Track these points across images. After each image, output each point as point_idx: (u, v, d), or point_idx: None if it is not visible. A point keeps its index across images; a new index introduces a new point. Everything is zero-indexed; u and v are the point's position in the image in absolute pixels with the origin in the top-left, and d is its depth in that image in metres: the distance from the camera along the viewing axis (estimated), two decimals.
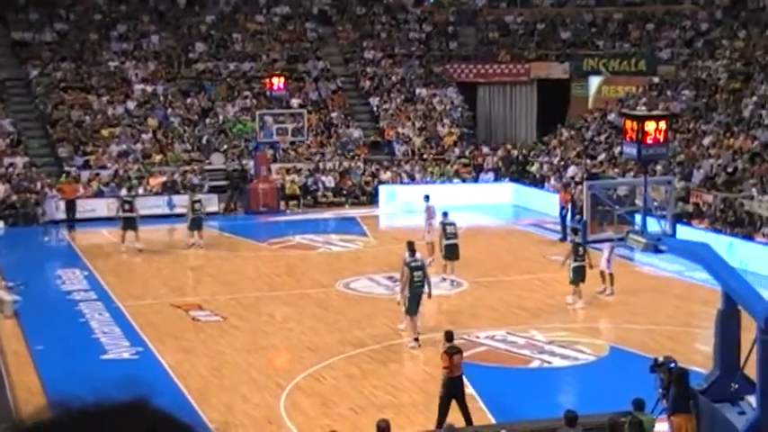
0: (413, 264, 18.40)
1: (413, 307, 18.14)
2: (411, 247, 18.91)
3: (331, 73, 41.88)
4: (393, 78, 41.89)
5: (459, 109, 40.99)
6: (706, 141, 32.15)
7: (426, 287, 18.38)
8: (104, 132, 36.36)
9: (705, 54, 38.94)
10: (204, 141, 36.88)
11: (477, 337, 18.95)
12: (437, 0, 46.29)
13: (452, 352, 14.15)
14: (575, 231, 22.05)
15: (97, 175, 33.70)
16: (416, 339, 18.16)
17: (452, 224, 23.52)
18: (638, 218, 14.97)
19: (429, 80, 42.04)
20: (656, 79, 39.02)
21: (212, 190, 33.76)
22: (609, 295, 22.03)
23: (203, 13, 43.49)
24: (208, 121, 38.08)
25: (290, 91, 38.38)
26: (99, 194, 32.53)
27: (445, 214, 23.85)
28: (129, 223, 27.23)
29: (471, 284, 23.23)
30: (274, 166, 35.18)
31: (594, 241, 16.18)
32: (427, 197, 26.33)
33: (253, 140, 35.50)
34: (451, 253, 23.15)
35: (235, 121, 38.06)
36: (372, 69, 42.29)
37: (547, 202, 32.43)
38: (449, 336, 14.63)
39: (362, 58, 42.89)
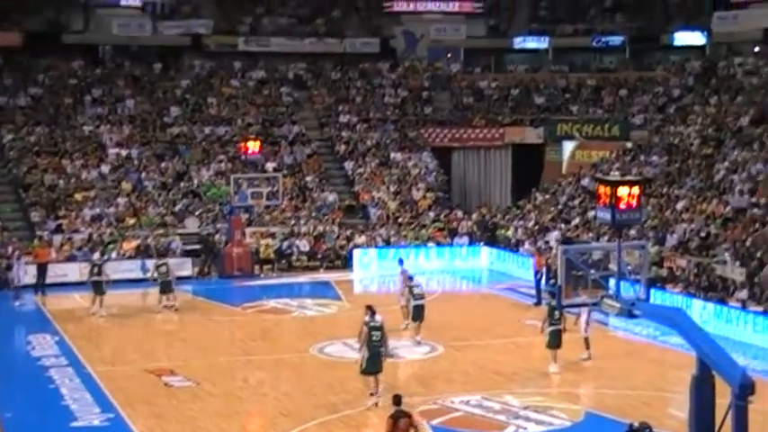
0: (372, 324, 18.67)
1: (370, 366, 18.47)
2: (371, 310, 19.19)
3: (306, 137, 42.12)
4: (368, 143, 42.16)
5: (434, 173, 41.24)
6: (679, 206, 32.43)
7: (384, 348, 18.76)
8: (78, 196, 36.28)
9: (677, 120, 39.47)
10: (178, 205, 36.84)
11: (452, 402, 18.89)
12: (412, 65, 46.84)
13: (397, 416, 14.07)
14: (552, 295, 22.16)
15: (70, 239, 33.56)
16: (373, 395, 18.46)
17: (418, 286, 24.28)
18: (612, 282, 15.07)
19: (404, 144, 42.33)
20: (629, 144, 39.47)
21: (186, 254, 33.66)
22: (585, 360, 22.06)
23: (178, 78, 43.83)
24: (182, 184, 38.11)
25: (265, 155, 38.55)
26: (71, 259, 32.38)
27: (410, 278, 24.58)
28: (98, 288, 27.21)
29: (446, 348, 23.21)
30: (249, 230, 35.16)
31: (569, 306, 16.23)
32: (401, 261, 26.97)
33: (227, 204, 35.52)
34: (419, 314, 23.68)
35: (209, 185, 38.11)
36: (347, 134, 42.57)
37: (521, 267, 32.56)
38: (396, 400, 14.53)
39: (338, 122, 43.20)
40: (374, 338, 18.52)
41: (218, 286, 32.00)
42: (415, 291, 23.91)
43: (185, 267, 32.35)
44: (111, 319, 26.90)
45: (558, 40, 47.37)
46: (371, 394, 18.61)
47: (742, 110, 37.09)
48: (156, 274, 28.36)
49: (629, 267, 15.80)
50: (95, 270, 27.60)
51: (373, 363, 18.48)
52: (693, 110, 39.43)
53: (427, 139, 43.21)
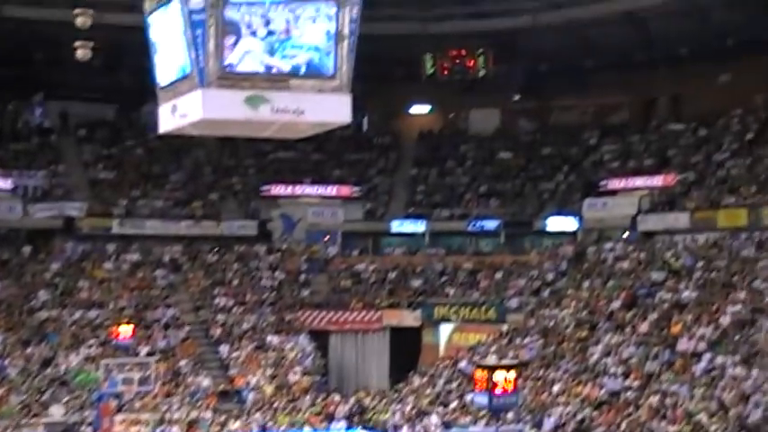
0: None
1: None
2: None
3: (180, 320, 41.61)
4: (244, 326, 41.84)
5: (311, 356, 40.99)
6: (555, 389, 32.81)
7: None
8: None
9: (552, 303, 40.33)
10: (44, 393, 35.64)
11: None
12: (289, 248, 47.13)
13: None
14: None
15: None
16: None
17: None
18: None
19: (281, 327, 42.13)
20: (505, 327, 40.03)
21: None
22: None
23: (49, 261, 43.13)
24: (48, 371, 36.95)
25: (137, 339, 37.84)
26: None
27: None
28: None
29: None
30: (118, 417, 34.09)
31: None
32: None
33: (96, 391, 34.51)
34: None
35: (77, 371, 37.05)
36: (223, 317, 42.23)
37: None
38: None
39: (213, 305, 42.88)
40: None
41: None
42: None
43: None
44: None
45: (435, 224, 48.40)
46: None
47: (613, 294, 38.16)
48: None
49: None
50: None
51: None
52: (567, 293, 40.39)
53: (304, 322, 43.14)
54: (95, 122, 51.31)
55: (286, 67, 11.66)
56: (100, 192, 47.12)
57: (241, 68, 11.51)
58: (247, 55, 11.51)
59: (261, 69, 11.55)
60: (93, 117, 51.57)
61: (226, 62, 11.40)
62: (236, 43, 11.32)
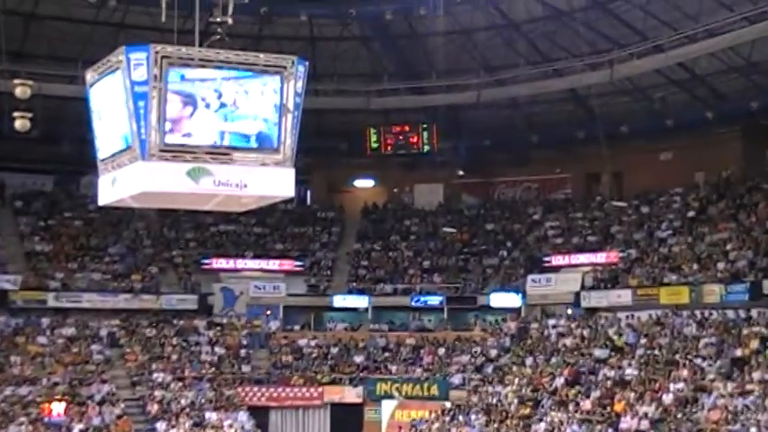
0: None
1: None
2: None
3: (116, 396, 40.84)
4: (182, 402, 41.18)
5: None
6: None
7: None
8: None
9: (495, 379, 40.28)
10: None
11: None
12: (230, 322, 46.69)
13: None
14: None
15: None
16: None
17: None
18: None
19: (220, 404, 41.52)
20: (448, 404, 39.86)
21: None
22: None
23: None
24: None
25: (70, 416, 37.08)
26: None
27: None
28: None
29: None
30: None
31: None
32: None
33: None
34: None
35: None
36: (161, 392, 41.54)
37: None
38: None
39: (151, 380, 42.19)
40: None
41: None
42: None
43: None
44: None
45: (378, 299, 48.34)
46: None
47: (557, 371, 38.22)
48: None
49: None
50: None
51: None
52: (511, 370, 40.39)
53: (244, 397, 42.59)
54: (32, 193, 50.81)
55: (235, 138, 11.75)
56: (36, 264, 46.45)
57: (192, 141, 11.56)
58: (200, 126, 11.60)
59: (214, 140, 11.62)
60: (30, 188, 51.12)
61: (183, 132, 11.47)
62: (191, 115, 11.42)
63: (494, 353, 42.89)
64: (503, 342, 43.30)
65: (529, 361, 40.51)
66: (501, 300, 46.24)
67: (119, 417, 39.75)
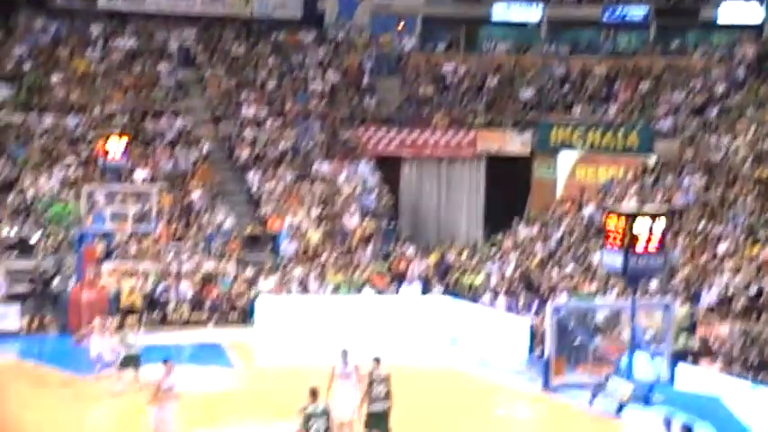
0: (311, 411, 18.04)
1: None
2: (314, 394, 18.28)
3: (193, 136, 41.93)
4: (281, 146, 42.07)
5: (376, 192, 41.29)
6: (721, 249, 32.73)
7: None
8: None
9: (721, 128, 39.91)
10: (5, 228, 36.49)
11: None
12: (347, 38, 46.87)
13: None
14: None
15: None
16: None
17: (384, 380, 20.80)
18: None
19: (333, 151, 42.32)
20: (651, 160, 39.82)
21: (12, 298, 33.26)
22: None
23: (10, 44, 43.31)
24: (11, 198, 37.67)
25: (132, 160, 38.28)
26: None
27: (377, 360, 20.87)
28: None
29: None
30: (106, 267, 34.85)
31: (560, 386, 16.26)
32: (345, 353, 21.64)
33: (76, 229, 35.17)
34: (378, 424, 20.73)
35: (50, 201, 37.74)
36: (253, 132, 42.45)
37: (496, 329, 32.54)
38: None
39: (239, 116, 43.06)
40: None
41: (58, 345, 31.62)
42: (376, 390, 20.53)
43: (10, 317, 32.05)
44: None
45: (555, 11, 47.88)
46: None
47: None
48: None
49: (648, 335, 15.87)
50: None
51: None
52: (744, 114, 39.91)
53: (366, 144, 43.26)
54: None
55: None
56: None
57: None
58: None
59: None
60: None
61: None
62: None
63: (720, 89, 42.38)
64: (734, 74, 42.66)
65: None
66: (734, 13, 45.37)
67: (195, 163, 40.91)
